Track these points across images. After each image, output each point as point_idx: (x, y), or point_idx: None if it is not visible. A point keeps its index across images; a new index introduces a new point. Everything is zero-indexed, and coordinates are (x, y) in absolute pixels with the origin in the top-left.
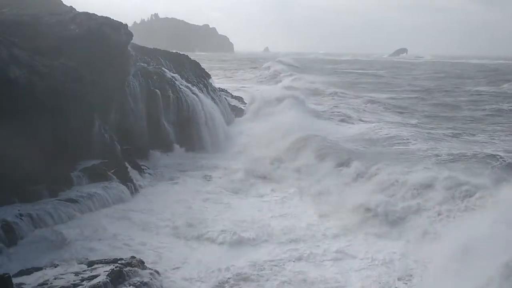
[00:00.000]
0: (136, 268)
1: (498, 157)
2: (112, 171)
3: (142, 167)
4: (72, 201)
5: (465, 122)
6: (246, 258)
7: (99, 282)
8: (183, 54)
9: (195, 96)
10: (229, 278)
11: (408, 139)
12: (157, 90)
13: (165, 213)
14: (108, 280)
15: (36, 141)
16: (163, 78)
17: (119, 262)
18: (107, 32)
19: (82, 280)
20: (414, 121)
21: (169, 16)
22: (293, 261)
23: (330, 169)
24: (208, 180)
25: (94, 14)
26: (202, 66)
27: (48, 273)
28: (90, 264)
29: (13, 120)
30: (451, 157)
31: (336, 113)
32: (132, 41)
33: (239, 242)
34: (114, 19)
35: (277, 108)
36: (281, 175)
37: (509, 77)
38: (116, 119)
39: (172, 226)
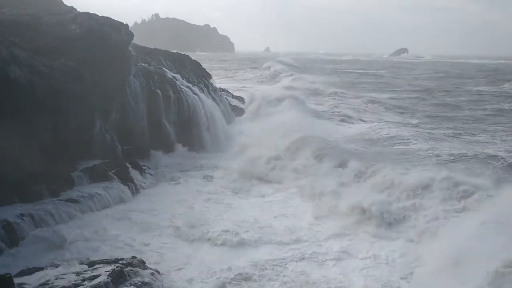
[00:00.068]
0: (137, 268)
1: (499, 157)
2: (113, 171)
3: (143, 167)
4: (73, 201)
5: (466, 122)
6: (248, 258)
7: (100, 282)
8: (184, 54)
9: (196, 96)
10: (231, 278)
11: (408, 139)
12: (158, 90)
13: (166, 214)
14: (109, 280)
15: (36, 141)
16: (164, 78)
17: (120, 262)
18: (107, 32)
19: (83, 280)
20: (414, 121)
21: (170, 16)
22: (295, 261)
23: (329, 169)
24: (209, 180)
25: (94, 14)
26: (203, 66)
27: (49, 273)
28: (91, 264)
29: (13, 120)
30: (452, 157)
31: (336, 113)
32: (133, 41)
33: (241, 242)
34: (115, 19)
35: (277, 108)
36: (281, 175)
37: (509, 77)
38: (117, 119)
39: (173, 226)
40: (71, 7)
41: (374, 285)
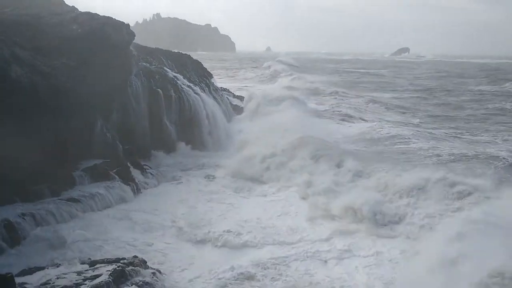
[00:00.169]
0: (138, 268)
1: (500, 157)
2: (114, 170)
3: (144, 166)
4: (74, 200)
5: (467, 122)
6: (250, 257)
7: (102, 281)
8: (185, 54)
9: (197, 96)
10: (233, 278)
11: (409, 138)
12: (159, 89)
13: (168, 214)
14: (110, 279)
15: (37, 141)
16: (165, 78)
17: (121, 261)
18: (109, 32)
19: (85, 279)
20: (416, 121)
21: (171, 16)
22: (299, 260)
23: (328, 169)
24: (211, 180)
25: (96, 14)
26: (204, 66)
27: (50, 273)
28: (93, 263)
29: (15, 119)
30: (453, 157)
31: (337, 112)
32: (134, 41)
33: (243, 242)
34: (116, 19)
35: (277, 107)
36: (281, 175)
37: (511, 76)
38: (118, 118)
39: (175, 226)
40: (73, 7)
41: (377, 285)
